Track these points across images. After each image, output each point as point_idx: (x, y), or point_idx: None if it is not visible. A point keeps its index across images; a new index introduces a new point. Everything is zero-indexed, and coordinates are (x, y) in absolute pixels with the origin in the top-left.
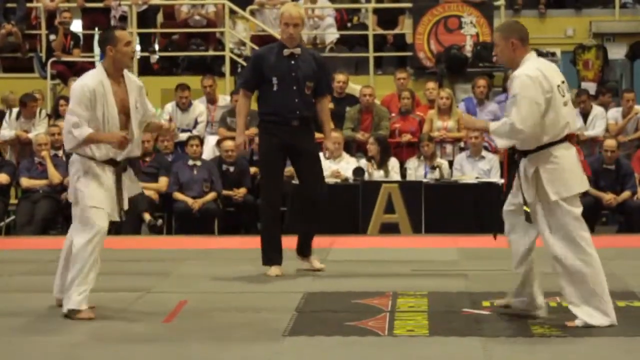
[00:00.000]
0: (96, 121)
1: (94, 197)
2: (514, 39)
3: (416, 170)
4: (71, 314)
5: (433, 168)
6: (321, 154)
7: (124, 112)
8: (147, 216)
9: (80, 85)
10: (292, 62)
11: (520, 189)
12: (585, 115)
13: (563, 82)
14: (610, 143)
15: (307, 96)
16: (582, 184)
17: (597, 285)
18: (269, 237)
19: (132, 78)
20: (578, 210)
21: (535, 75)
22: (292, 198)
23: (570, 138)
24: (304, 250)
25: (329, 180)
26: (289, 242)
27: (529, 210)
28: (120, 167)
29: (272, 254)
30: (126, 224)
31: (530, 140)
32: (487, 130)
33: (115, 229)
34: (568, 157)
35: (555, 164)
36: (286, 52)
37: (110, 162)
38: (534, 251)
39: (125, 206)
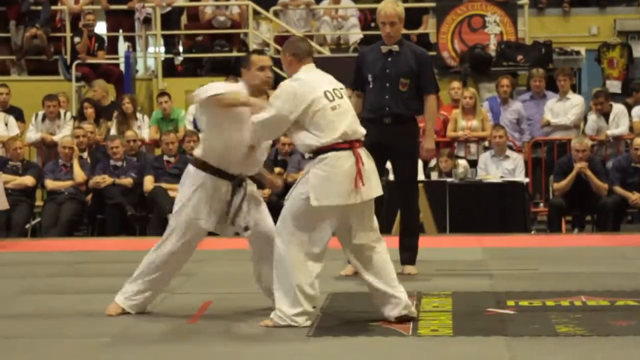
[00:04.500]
0: (229, 128)
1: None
2: (287, 55)
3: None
4: None
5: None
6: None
7: None
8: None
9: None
10: (389, 59)
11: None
12: (605, 115)
13: (341, 88)
14: (639, 141)
15: (401, 93)
16: (343, 196)
17: None
18: None
19: None
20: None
21: (287, 85)
22: None
23: (351, 145)
24: (403, 256)
25: None
26: None
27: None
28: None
29: None
30: (151, 225)
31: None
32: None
33: (140, 230)
34: (339, 166)
35: (323, 171)
36: (383, 49)
37: (224, 175)
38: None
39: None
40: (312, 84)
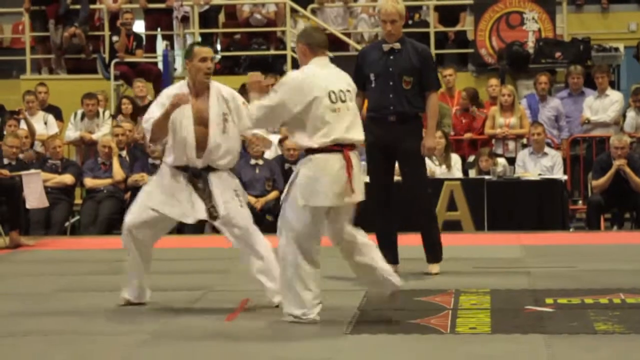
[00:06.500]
0: (171, 125)
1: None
2: (301, 44)
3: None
4: None
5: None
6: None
7: (203, 124)
8: None
9: (164, 91)
10: (391, 57)
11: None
12: None
13: (348, 90)
14: None
15: (405, 91)
16: (331, 198)
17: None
18: (380, 237)
19: (222, 91)
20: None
21: (296, 76)
22: None
23: (343, 148)
24: (426, 255)
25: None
26: None
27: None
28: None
29: (386, 253)
30: (190, 224)
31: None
32: None
33: (177, 228)
34: (328, 168)
35: (312, 171)
36: (385, 47)
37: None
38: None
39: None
40: (320, 81)
